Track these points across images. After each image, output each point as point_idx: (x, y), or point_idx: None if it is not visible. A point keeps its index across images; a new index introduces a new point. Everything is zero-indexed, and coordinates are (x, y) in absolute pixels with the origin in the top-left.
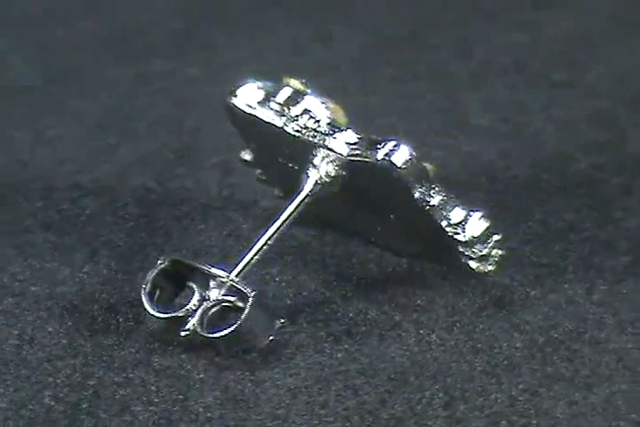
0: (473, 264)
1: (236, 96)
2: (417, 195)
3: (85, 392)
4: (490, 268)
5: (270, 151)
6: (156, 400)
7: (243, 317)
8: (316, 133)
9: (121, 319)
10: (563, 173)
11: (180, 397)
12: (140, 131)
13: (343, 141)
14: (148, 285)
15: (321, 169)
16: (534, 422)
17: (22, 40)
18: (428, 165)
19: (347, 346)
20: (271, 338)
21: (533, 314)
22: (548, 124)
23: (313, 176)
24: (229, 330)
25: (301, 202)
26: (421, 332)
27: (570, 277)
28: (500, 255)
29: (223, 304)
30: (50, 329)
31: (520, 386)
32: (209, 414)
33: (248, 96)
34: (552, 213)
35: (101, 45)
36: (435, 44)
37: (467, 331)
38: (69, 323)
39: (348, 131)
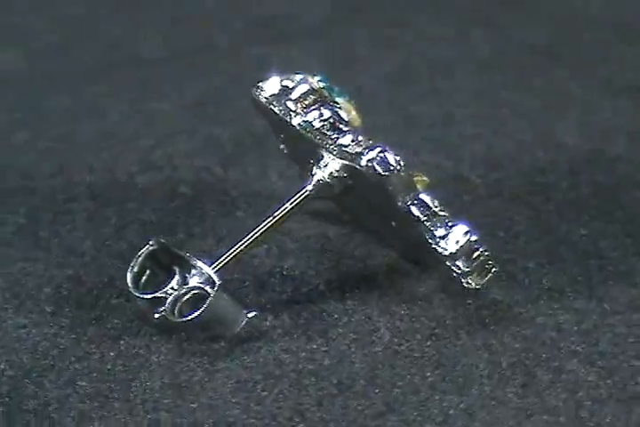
0: (460, 279)
1: (257, 88)
2: (399, 204)
3: (43, 361)
4: (475, 284)
5: (293, 144)
6: (105, 378)
7: (206, 303)
8: (318, 134)
9: (114, 296)
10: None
11: (129, 377)
12: (228, 114)
13: (339, 144)
14: (137, 265)
15: (326, 169)
16: None
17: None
18: (420, 177)
19: (315, 346)
20: (238, 329)
21: (513, 336)
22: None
23: (316, 176)
24: (192, 316)
25: (300, 201)
26: (395, 340)
27: (566, 304)
28: (491, 272)
29: (196, 292)
30: (42, 297)
31: (461, 405)
32: (146, 397)
33: (266, 89)
34: (569, 232)
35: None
36: None
37: (439, 345)
38: (64, 293)
39: (348, 134)
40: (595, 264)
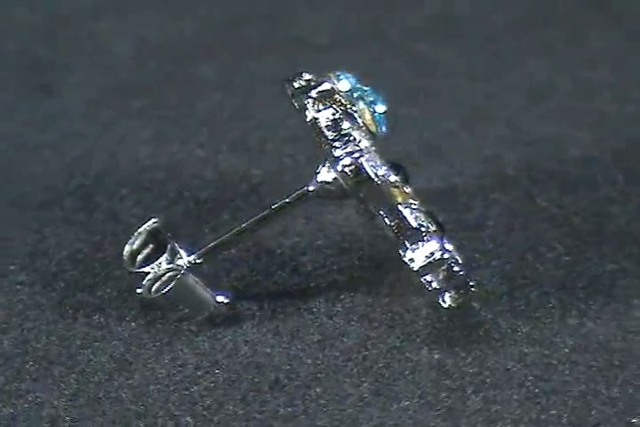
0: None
1: (287, 81)
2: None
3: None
4: (451, 303)
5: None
6: (61, 343)
7: (172, 283)
8: (321, 133)
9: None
10: None
11: (84, 345)
12: None
13: (334, 146)
14: (138, 240)
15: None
16: None
17: None
18: (403, 189)
19: (276, 342)
20: (206, 314)
21: (472, 360)
22: None
23: (320, 176)
24: (158, 293)
25: (298, 198)
26: (355, 348)
27: (532, 338)
28: (468, 293)
29: (171, 273)
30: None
31: (372, 422)
32: (86, 367)
33: (294, 83)
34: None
35: None
36: None
37: (395, 359)
38: (68, 267)
39: (344, 138)
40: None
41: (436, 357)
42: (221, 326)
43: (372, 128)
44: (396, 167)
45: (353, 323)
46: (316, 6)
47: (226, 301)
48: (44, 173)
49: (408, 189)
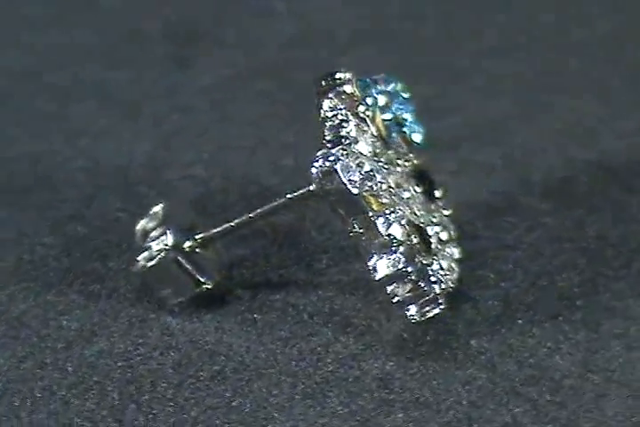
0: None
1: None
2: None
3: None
4: (415, 317)
5: None
6: (38, 310)
7: (155, 260)
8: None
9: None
10: None
11: (58, 317)
12: None
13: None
14: (151, 218)
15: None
16: None
17: None
18: (378, 199)
19: (237, 331)
20: (185, 298)
21: (420, 373)
22: None
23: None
24: (140, 269)
25: (299, 196)
26: (318, 349)
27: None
28: (435, 308)
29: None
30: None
31: (286, 424)
32: (53, 333)
33: (320, 80)
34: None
35: None
36: None
37: (348, 365)
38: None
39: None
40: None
41: (387, 369)
42: (205, 309)
43: (383, 134)
44: (421, 176)
45: (330, 325)
46: None
47: (208, 286)
48: None
49: (385, 200)
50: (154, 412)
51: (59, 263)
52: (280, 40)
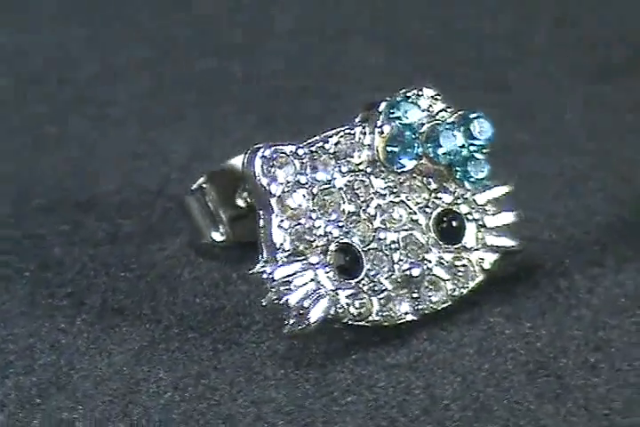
0: None
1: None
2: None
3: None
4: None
5: None
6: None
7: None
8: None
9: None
10: None
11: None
12: None
13: None
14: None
15: None
16: None
17: None
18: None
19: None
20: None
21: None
22: None
23: None
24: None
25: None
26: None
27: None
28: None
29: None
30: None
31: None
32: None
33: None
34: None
35: None
36: None
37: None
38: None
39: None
40: None
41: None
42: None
43: (381, 157)
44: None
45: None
46: None
47: (221, 238)
48: None
49: (294, 205)
50: None
51: None
52: None
